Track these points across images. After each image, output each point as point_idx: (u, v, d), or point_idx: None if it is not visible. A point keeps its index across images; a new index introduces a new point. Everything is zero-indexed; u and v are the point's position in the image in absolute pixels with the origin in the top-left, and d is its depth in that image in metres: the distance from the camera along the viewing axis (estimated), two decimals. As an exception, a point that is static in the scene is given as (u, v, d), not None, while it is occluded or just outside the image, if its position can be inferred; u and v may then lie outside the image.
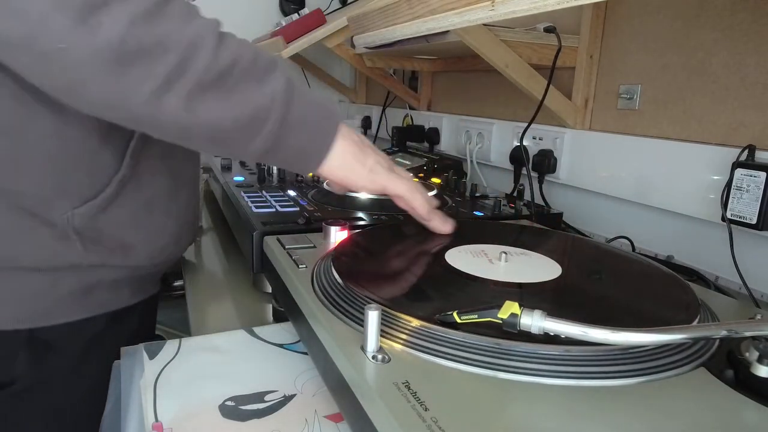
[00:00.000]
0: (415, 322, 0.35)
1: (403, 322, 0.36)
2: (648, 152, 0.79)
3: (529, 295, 0.42)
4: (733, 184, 0.63)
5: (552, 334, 0.32)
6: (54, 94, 0.41)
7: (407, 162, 1.18)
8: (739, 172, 0.63)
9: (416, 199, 0.54)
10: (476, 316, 0.34)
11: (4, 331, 0.52)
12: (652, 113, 0.81)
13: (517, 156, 0.98)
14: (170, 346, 0.49)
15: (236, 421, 0.39)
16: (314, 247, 0.54)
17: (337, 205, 0.72)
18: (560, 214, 0.82)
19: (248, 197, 0.73)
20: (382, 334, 0.35)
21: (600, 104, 0.91)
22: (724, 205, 0.64)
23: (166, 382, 0.43)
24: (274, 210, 0.68)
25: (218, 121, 0.42)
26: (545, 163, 0.94)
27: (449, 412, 0.28)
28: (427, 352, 0.33)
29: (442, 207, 0.73)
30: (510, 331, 0.33)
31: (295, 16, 1.36)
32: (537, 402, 0.29)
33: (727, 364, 0.34)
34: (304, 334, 0.44)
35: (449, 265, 0.47)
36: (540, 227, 0.66)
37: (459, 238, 0.55)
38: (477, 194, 0.86)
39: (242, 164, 1.04)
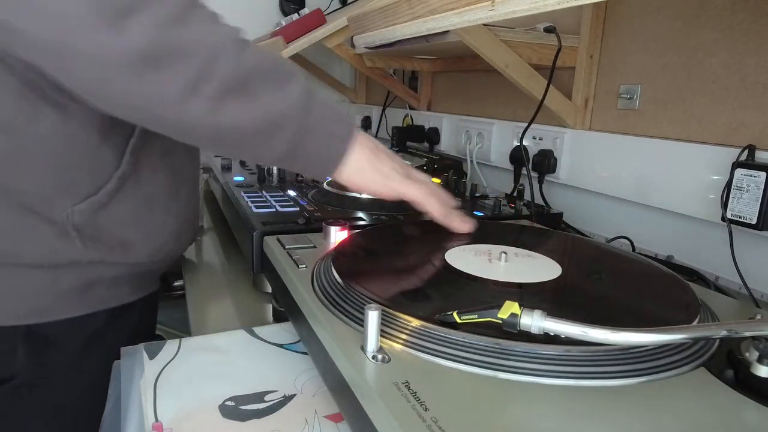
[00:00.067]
0: (415, 322, 0.35)
1: (403, 322, 0.36)
2: (648, 152, 0.79)
3: (529, 295, 0.42)
4: (733, 184, 0.63)
5: (552, 334, 0.32)
6: (80, 94, 0.42)
7: (407, 162, 1.18)
8: (739, 172, 0.63)
9: (431, 203, 0.55)
10: (476, 316, 0.34)
11: (3, 327, 0.53)
12: (652, 113, 0.81)
13: (517, 156, 0.98)
14: (170, 346, 0.49)
15: (236, 421, 0.39)
16: (314, 247, 0.54)
17: (337, 205, 0.72)
18: (560, 214, 0.82)
19: (248, 197, 0.73)
20: (382, 334, 0.35)
21: (600, 104, 0.91)
22: (724, 205, 0.64)
23: (166, 382, 0.43)
24: (274, 210, 0.68)
25: (240, 125, 0.43)
26: (545, 163, 0.94)
27: (449, 412, 0.28)
28: (427, 352, 0.33)
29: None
30: (510, 331, 0.33)
31: (295, 16, 1.36)
32: (537, 402, 0.29)
33: (727, 364, 0.34)
34: (304, 334, 0.44)
35: (449, 265, 0.47)
36: (540, 227, 0.66)
37: (459, 238, 0.55)
38: (477, 194, 0.86)
39: (242, 164, 1.04)
